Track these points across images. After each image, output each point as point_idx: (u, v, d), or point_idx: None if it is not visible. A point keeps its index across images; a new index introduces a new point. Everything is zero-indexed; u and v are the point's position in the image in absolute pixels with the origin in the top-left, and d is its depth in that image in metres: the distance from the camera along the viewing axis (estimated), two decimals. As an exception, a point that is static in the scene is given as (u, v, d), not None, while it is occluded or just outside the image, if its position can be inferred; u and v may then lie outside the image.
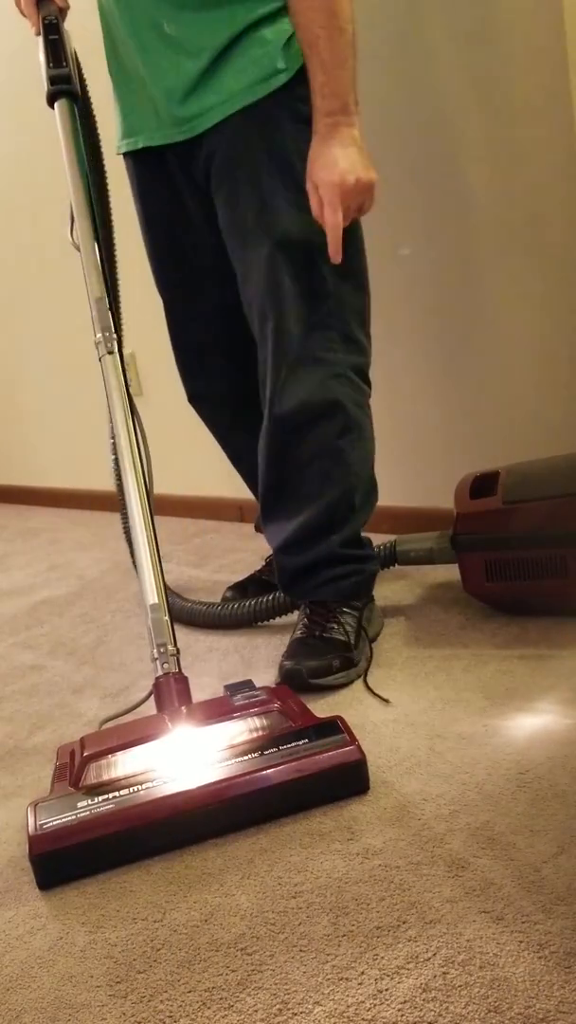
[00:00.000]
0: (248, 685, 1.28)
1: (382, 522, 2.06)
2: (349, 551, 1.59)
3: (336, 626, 1.53)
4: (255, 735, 1.20)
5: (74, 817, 1.09)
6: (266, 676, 1.53)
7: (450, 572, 1.70)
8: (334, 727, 1.18)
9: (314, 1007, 0.82)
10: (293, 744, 1.15)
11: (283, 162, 1.48)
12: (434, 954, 0.85)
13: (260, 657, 1.64)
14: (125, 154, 1.65)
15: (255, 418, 1.61)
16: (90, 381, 1.89)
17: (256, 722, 1.23)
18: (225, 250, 1.58)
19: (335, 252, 1.45)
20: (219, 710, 1.22)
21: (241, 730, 1.21)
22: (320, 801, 1.12)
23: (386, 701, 1.38)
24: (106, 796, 1.12)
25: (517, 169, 1.78)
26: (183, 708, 1.21)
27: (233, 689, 1.27)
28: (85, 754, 1.19)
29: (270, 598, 1.72)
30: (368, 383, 1.61)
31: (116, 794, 1.12)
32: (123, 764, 1.19)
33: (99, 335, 1.41)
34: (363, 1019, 0.79)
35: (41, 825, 1.10)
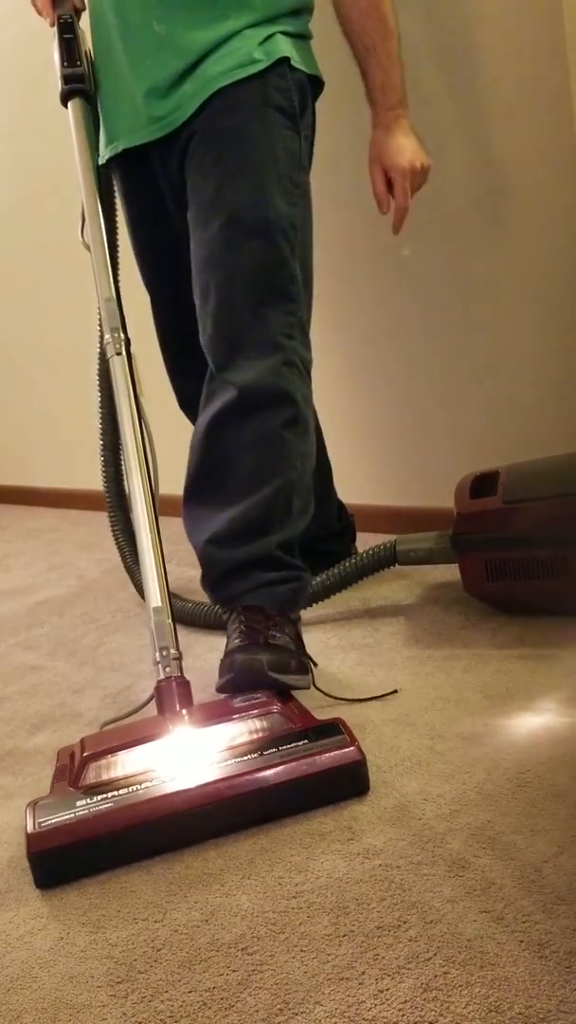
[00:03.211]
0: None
1: (382, 522, 2.07)
2: (286, 556, 1.48)
3: (279, 634, 1.39)
4: (255, 736, 1.21)
5: (72, 816, 1.09)
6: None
7: (450, 572, 1.70)
8: (334, 728, 1.18)
9: (315, 1007, 0.82)
10: (293, 745, 1.15)
11: (251, 143, 1.48)
12: (435, 954, 0.85)
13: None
14: (109, 160, 1.65)
15: None
16: (91, 381, 1.89)
17: (256, 723, 1.23)
18: None
19: (398, 229, 1.65)
20: (219, 712, 1.23)
21: (241, 731, 1.22)
22: (320, 802, 1.12)
23: (394, 692, 1.39)
24: (105, 795, 1.12)
25: (517, 169, 1.78)
26: (184, 710, 1.22)
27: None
28: (85, 754, 1.20)
29: None
30: (310, 377, 1.54)
31: (115, 793, 1.12)
32: (123, 764, 1.19)
33: (108, 335, 1.41)
34: (364, 1019, 0.79)
35: (39, 823, 1.10)
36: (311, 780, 1.11)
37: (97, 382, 1.87)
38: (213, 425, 1.49)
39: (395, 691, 1.39)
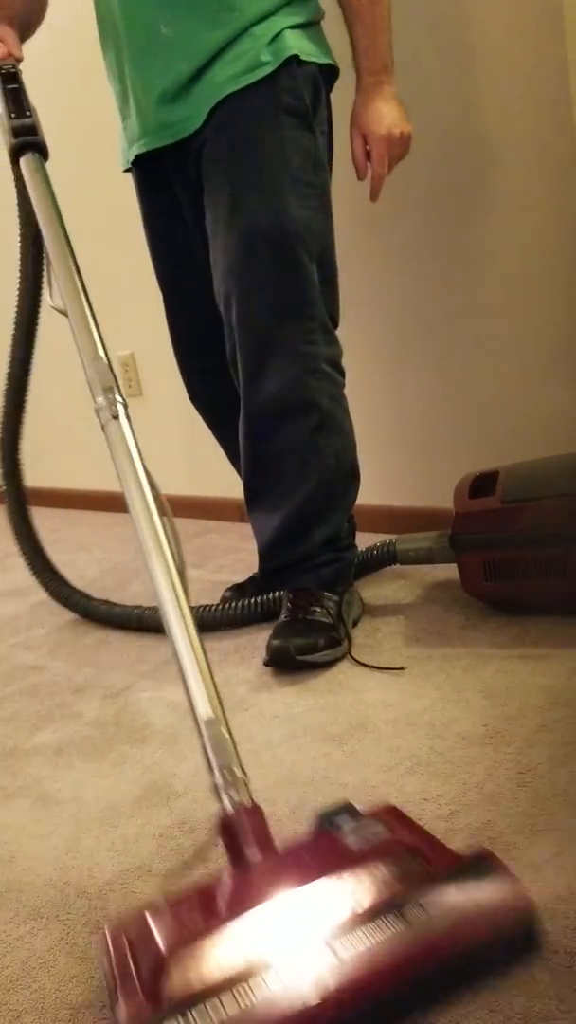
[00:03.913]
0: (348, 811, 0.94)
1: (382, 522, 2.07)
2: (330, 547, 1.63)
3: (319, 609, 1.56)
4: (386, 890, 0.82)
5: None
6: (267, 675, 1.53)
7: (450, 572, 1.70)
8: (486, 865, 0.85)
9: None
10: (442, 897, 0.80)
11: (263, 151, 1.50)
12: (435, 954, 0.85)
13: (261, 657, 1.64)
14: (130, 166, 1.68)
15: None
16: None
17: (382, 870, 0.84)
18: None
19: (376, 196, 1.62)
20: (328, 859, 0.86)
21: (366, 885, 0.83)
22: (485, 971, 0.81)
23: (401, 668, 1.45)
24: (209, 1018, 0.72)
25: (517, 169, 1.78)
26: (272, 858, 0.89)
27: (331, 819, 0.94)
28: (164, 949, 0.80)
29: (259, 600, 1.73)
30: (342, 372, 1.64)
31: (222, 1012, 0.72)
32: (216, 958, 0.78)
33: (100, 399, 1.17)
34: (364, 1019, 0.79)
35: None
36: (477, 947, 0.79)
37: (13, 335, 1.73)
38: (250, 436, 1.62)
39: (402, 668, 1.46)
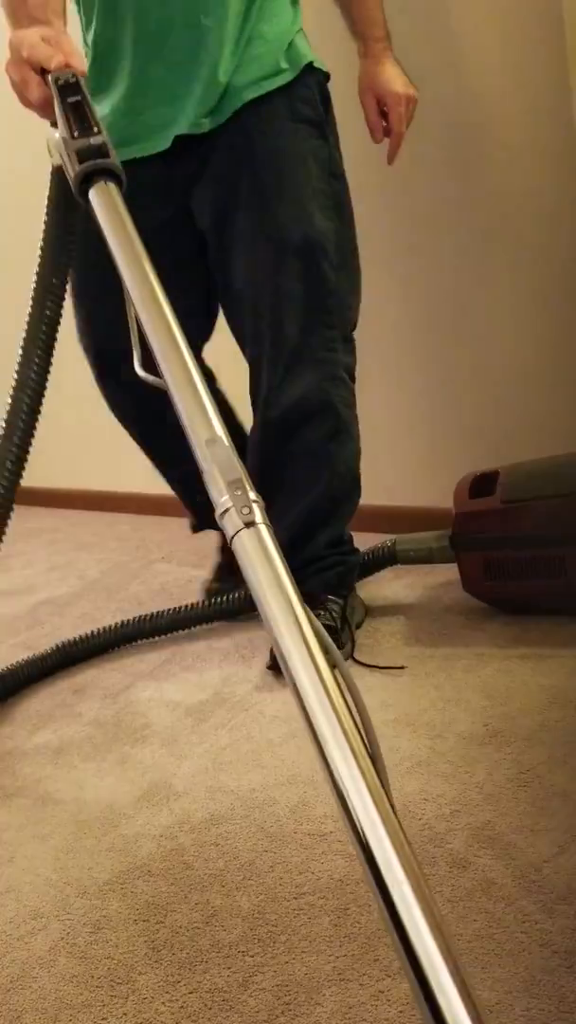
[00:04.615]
0: None
1: (382, 522, 2.07)
2: (333, 550, 1.64)
3: (323, 612, 1.57)
4: None
5: None
6: (267, 675, 1.53)
7: (450, 572, 1.70)
8: None
9: (315, 1008, 0.82)
10: None
11: (288, 163, 1.51)
12: (435, 954, 0.85)
13: (261, 656, 1.64)
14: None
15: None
16: (91, 382, 1.89)
17: None
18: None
19: (394, 157, 1.62)
20: None
21: None
22: None
23: (401, 668, 1.45)
24: None
25: (517, 170, 1.78)
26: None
27: None
28: None
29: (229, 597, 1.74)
30: (355, 379, 1.65)
31: None
32: None
33: (224, 498, 0.81)
34: (364, 1019, 0.79)
35: None
36: None
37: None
38: (266, 441, 1.61)
39: (403, 666, 1.46)
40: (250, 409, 1.65)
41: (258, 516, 0.81)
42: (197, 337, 1.69)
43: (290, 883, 0.99)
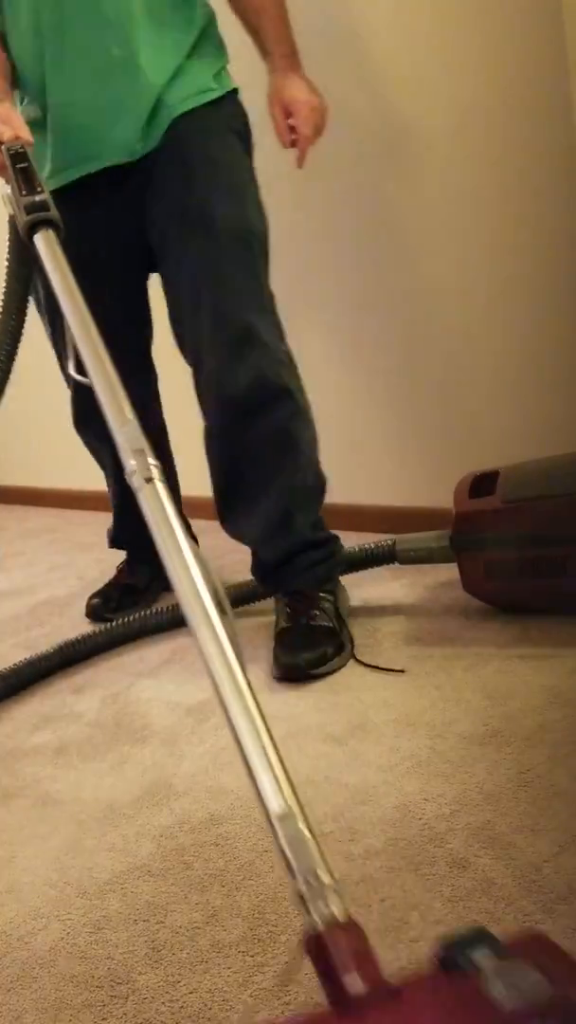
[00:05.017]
0: (487, 942, 0.61)
1: (382, 522, 2.07)
2: (316, 532, 1.68)
3: (319, 612, 1.59)
4: None
5: None
6: (267, 675, 1.53)
7: (450, 572, 1.70)
8: None
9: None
10: None
11: (225, 161, 1.63)
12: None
13: (256, 656, 1.64)
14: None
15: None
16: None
17: None
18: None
19: (302, 161, 1.67)
20: (466, 1013, 0.58)
21: None
22: None
23: (401, 671, 1.45)
24: None
25: (515, 170, 1.78)
26: (382, 994, 0.61)
27: (464, 952, 0.60)
28: None
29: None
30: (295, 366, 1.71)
31: None
32: None
33: (131, 462, 1.07)
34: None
35: None
36: None
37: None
38: (224, 431, 1.65)
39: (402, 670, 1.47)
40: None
41: (156, 475, 1.05)
42: (141, 338, 1.90)
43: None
